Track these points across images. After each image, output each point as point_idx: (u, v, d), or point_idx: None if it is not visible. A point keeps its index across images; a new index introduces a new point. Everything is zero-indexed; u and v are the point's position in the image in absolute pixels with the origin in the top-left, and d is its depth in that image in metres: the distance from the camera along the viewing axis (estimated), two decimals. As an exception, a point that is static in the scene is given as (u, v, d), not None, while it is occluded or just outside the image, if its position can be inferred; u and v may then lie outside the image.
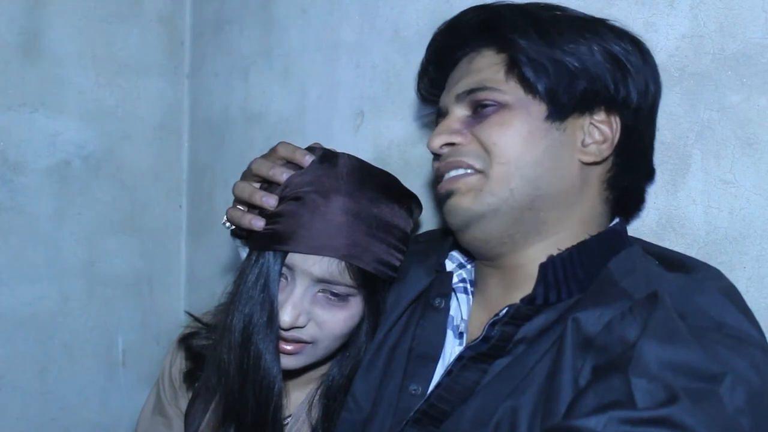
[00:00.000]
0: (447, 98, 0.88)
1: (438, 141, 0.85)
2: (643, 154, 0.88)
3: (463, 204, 0.82)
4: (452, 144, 0.84)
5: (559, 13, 0.84)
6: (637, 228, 0.93)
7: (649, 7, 0.93)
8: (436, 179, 0.88)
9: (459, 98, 0.85)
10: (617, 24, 0.84)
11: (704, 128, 0.89)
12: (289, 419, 0.97)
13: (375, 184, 0.89)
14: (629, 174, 0.85)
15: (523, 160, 0.79)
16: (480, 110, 0.83)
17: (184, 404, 1.01)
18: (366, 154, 1.30)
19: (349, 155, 0.91)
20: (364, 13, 1.34)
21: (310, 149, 0.92)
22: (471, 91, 0.83)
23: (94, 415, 1.65)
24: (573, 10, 0.86)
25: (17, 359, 1.53)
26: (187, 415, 1.00)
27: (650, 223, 0.93)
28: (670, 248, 0.86)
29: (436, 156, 0.88)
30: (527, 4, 0.86)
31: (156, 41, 1.75)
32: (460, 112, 0.85)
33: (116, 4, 1.67)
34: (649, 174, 0.90)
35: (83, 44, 1.61)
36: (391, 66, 1.29)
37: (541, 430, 0.67)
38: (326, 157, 0.90)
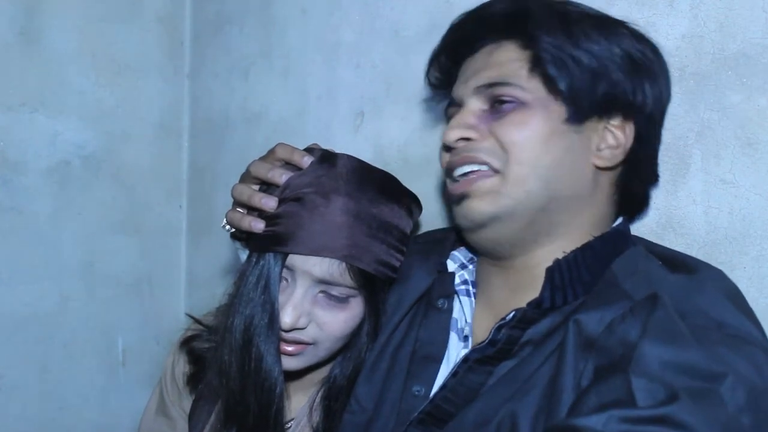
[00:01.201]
0: (463, 89, 0.85)
1: (454, 134, 0.83)
2: (651, 160, 0.88)
3: (479, 207, 0.80)
4: (467, 138, 0.83)
5: (584, 11, 0.83)
6: (637, 228, 0.93)
7: (649, 7, 0.93)
8: (447, 172, 0.86)
9: (477, 91, 0.83)
10: (637, 28, 0.84)
11: (704, 128, 0.89)
12: (291, 423, 0.97)
13: (375, 184, 0.89)
14: (638, 179, 0.85)
15: (541, 162, 0.78)
16: (497, 106, 0.81)
17: (187, 405, 1.01)
18: (366, 154, 1.30)
19: (348, 156, 0.90)
20: (364, 13, 1.34)
21: (309, 150, 0.92)
22: (491, 85, 0.81)
23: (94, 415, 1.65)
24: (592, 8, 0.85)
25: (17, 359, 1.53)
26: (191, 418, 0.99)
27: (650, 223, 0.93)
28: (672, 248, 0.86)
29: (447, 148, 0.86)
30: (554, 1, 0.84)
31: (156, 41, 1.74)
32: (475, 105, 0.83)
33: (116, 4, 1.66)
34: (654, 178, 0.91)
35: (83, 44, 1.61)
36: (391, 66, 1.29)
37: (542, 430, 0.67)
38: (325, 157, 0.90)
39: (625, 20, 0.84)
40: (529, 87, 0.80)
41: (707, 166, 0.88)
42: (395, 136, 1.28)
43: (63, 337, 1.60)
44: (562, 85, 0.78)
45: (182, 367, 1.02)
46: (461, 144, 0.83)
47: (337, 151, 0.93)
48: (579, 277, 0.78)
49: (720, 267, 0.77)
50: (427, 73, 0.96)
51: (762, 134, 0.84)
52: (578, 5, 0.85)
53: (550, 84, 0.79)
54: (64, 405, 1.60)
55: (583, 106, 0.79)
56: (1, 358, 1.51)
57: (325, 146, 0.95)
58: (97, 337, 1.65)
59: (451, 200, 0.86)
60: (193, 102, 1.79)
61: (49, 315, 1.58)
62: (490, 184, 0.80)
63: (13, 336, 1.52)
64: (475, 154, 0.81)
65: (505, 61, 0.82)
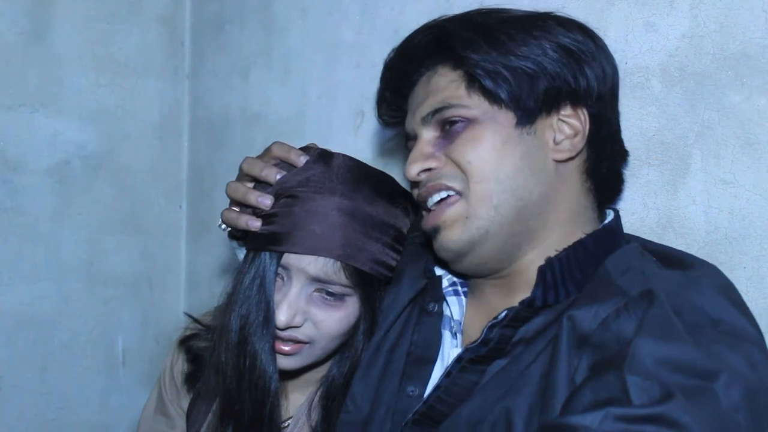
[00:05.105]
0: (413, 122, 0.87)
1: (414, 169, 0.84)
2: (614, 138, 0.87)
3: (453, 236, 0.81)
4: (429, 169, 0.84)
5: (504, 15, 0.84)
6: (637, 228, 0.93)
7: (649, 7, 0.93)
8: (421, 205, 0.87)
9: (425, 120, 0.84)
10: (563, 15, 0.84)
11: (704, 128, 0.89)
12: (289, 421, 0.97)
13: (370, 183, 0.89)
14: (606, 160, 0.85)
15: (501, 173, 0.79)
16: (449, 128, 0.82)
17: (185, 404, 1.01)
18: (366, 154, 1.31)
19: (344, 155, 0.90)
20: (364, 13, 1.34)
21: (305, 149, 0.92)
22: (436, 111, 0.83)
23: (94, 415, 1.65)
24: (515, 9, 0.85)
25: (17, 359, 1.53)
26: (189, 416, 1.00)
27: (650, 223, 0.93)
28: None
29: (415, 183, 0.87)
30: (472, 13, 0.85)
31: (156, 41, 1.75)
32: (428, 135, 0.85)
33: (116, 4, 1.67)
34: (622, 155, 0.90)
35: (83, 44, 1.61)
36: (391, 66, 1.28)
37: (537, 428, 0.67)
38: (321, 156, 0.90)
39: (550, 11, 0.84)
40: (471, 103, 0.80)
41: (707, 166, 0.88)
42: (395, 136, 1.28)
43: (63, 337, 1.60)
44: (502, 95, 0.78)
45: (181, 365, 1.02)
46: (424, 176, 0.84)
47: (337, 151, 0.93)
48: (571, 275, 0.78)
49: (720, 267, 0.77)
50: (379, 114, 0.98)
51: (762, 134, 0.84)
52: (496, 10, 0.85)
53: (490, 96, 0.79)
54: (64, 405, 1.60)
55: (529, 106, 0.79)
56: (1, 358, 1.51)
57: (324, 146, 0.95)
58: (97, 337, 1.65)
59: (427, 236, 0.86)
60: (193, 102, 1.79)
61: (49, 315, 1.58)
62: (458, 209, 0.81)
63: (13, 336, 1.53)
64: (440, 182, 0.82)
65: (443, 86, 0.83)
